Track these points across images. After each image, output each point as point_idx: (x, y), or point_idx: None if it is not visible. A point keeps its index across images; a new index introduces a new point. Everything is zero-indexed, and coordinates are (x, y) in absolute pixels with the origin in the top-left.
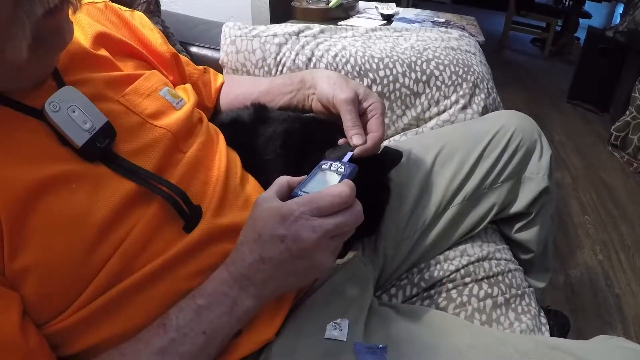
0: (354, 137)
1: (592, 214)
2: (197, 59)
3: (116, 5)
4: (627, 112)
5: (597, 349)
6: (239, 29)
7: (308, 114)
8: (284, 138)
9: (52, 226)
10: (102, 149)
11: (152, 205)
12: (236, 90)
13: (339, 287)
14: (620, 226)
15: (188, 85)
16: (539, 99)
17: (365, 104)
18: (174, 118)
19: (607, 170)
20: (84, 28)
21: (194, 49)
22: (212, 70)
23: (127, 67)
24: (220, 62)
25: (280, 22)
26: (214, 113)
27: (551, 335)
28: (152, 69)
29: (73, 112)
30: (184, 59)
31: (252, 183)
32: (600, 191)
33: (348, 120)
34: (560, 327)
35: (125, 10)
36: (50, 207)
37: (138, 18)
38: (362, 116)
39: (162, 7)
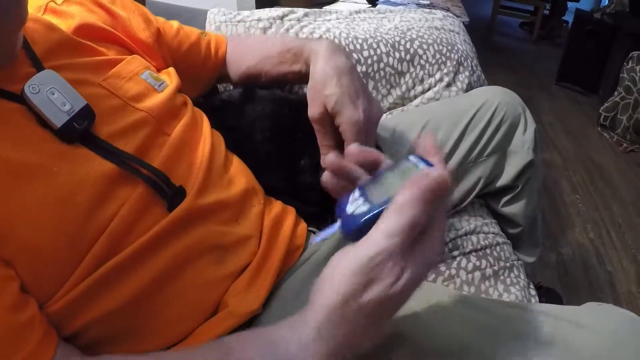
0: (321, 158)
1: (583, 194)
2: None
3: None
4: (616, 93)
5: (583, 312)
6: (224, 14)
7: (298, 95)
8: (273, 121)
9: (38, 208)
10: (80, 130)
11: (137, 187)
12: (248, 62)
13: (324, 261)
14: (611, 204)
15: (171, 69)
16: (528, 82)
17: (335, 123)
18: (156, 100)
19: (597, 151)
20: (66, 20)
21: None
22: (213, 34)
23: (109, 53)
24: None
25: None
26: (211, 92)
27: None
28: (133, 54)
29: (52, 94)
30: (173, 28)
31: (235, 164)
32: (590, 171)
33: (318, 139)
34: (552, 303)
35: None
36: (34, 189)
37: (119, 1)
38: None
39: None
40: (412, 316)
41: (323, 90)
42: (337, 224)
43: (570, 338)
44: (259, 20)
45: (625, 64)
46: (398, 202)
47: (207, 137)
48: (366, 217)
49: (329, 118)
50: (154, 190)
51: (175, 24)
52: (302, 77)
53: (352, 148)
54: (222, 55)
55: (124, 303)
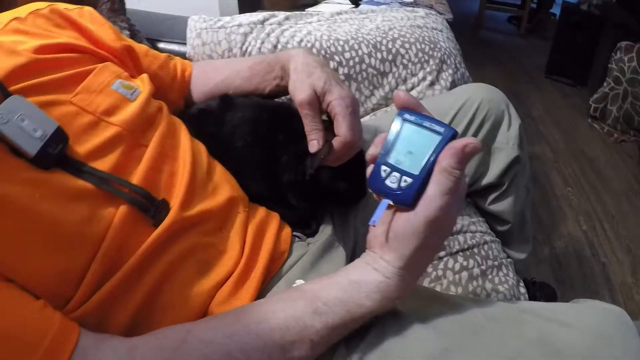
0: (310, 144)
1: (575, 186)
2: None
3: (62, 6)
4: (605, 84)
5: (569, 310)
6: (204, 21)
7: (275, 101)
8: (253, 127)
9: (26, 237)
10: (55, 155)
11: (120, 207)
12: (215, 78)
13: (310, 267)
14: (604, 196)
15: (144, 75)
16: (517, 76)
17: (324, 104)
18: (129, 111)
19: (588, 142)
20: (29, 39)
21: (161, 45)
22: (178, 58)
23: (78, 64)
24: (187, 55)
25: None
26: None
27: None
28: (103, 62)
29: (22, 121)
30: (142, 48)
31: (219, 170)
32: (581, 163)
33: (305, 125)
34: (547, 298)
35: (72, 9)
36: (19, 219)
37: (87, 14)
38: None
39: (130, 6)
40: (394, 322)
41: (310, 77)
42: (385, 202)
43: (554, 337)
44: (240, 25)
45: (613, 54)
46: (444, 167)
47: (186, 144)
48: (417, 186)
49: (317, 101)
50: (137, 208)
51: (143, 46)
52: (279, 87)
53: (399, 92)
54: (188, 75)
55: (124, 323)
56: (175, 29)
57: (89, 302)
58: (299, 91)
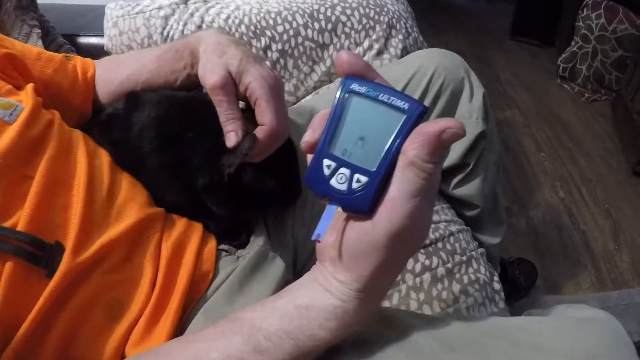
0: (226, 137)
1: (548, 150)
2: (84, 50)
3: None
4: (573, 43)
5: (544, 326)
6: (121, 8)
7: (184, 93)
8: (160, 128)
9: None
10: None
11: (6, 262)
12: (121, 75)
13: (238, 288)
14: (579, 159)
15: (29, 86)
16: (482, 40)
17: (241, 87)
18: (7, 139)
19: (559, 104)
20: None
21: (81, 40)
22: (79, 57)
23: None
24: (105, 48)
25: None
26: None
27: (519, 285)
28: None
29: None
30: (33, 52)
31: (126, 187)
32: (553, 126)
33: (220, 114)
34: (527, 275)
35: None
36: None
37: None
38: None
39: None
40: (330, 357)
41: (222, 57)
42: (331, 208)
43: None
44: (160, 8)
45: (580, 12)
46: (412, 160)
47: (82, 164)
48: (375, 187)
49: (232, 84)
50: (25, 260)
51: (35, 48)
52: (191, 77)
53: (343, 53)
54: (91, 76)
55: None
56: (97, 20)
57: None
58: (210, 73)
